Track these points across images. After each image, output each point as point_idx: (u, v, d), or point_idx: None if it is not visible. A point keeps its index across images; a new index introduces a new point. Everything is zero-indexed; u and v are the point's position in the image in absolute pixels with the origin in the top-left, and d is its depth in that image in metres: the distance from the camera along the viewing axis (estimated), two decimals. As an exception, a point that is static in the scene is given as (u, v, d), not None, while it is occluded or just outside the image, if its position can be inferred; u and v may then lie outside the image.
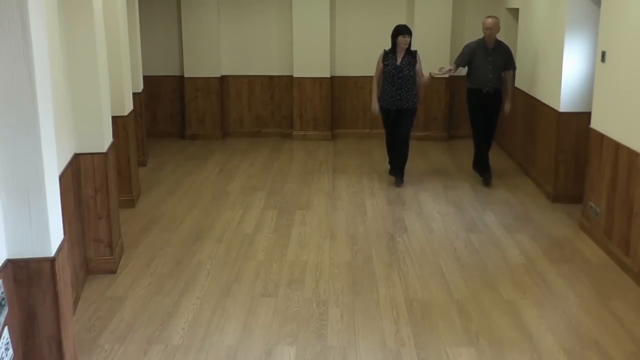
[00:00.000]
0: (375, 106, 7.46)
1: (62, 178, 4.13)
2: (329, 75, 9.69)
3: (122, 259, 5.32)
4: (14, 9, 2.53)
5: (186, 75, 9.74)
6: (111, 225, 5.07)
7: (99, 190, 4.98)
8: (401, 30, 7.21)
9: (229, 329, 4.23)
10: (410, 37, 7.23)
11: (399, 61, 7.24)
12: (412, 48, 7.29)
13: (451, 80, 9.44)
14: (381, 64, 7.34)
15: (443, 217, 6.39)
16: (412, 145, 9.18)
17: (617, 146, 5.28)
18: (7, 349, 2.58)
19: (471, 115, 7.57)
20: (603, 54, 5.58)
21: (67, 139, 4.63)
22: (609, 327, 4.24)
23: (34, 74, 2.61)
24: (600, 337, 4.12)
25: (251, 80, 9.94)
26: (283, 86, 9.92)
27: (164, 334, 4.16)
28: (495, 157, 7.79)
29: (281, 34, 9.79)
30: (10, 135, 2.63)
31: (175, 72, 9.92)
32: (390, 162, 7.74)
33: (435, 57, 8.80)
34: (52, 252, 2.79)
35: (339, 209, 6.66)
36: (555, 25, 6.85)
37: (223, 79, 9.89)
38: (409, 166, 7.66)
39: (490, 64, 7.33)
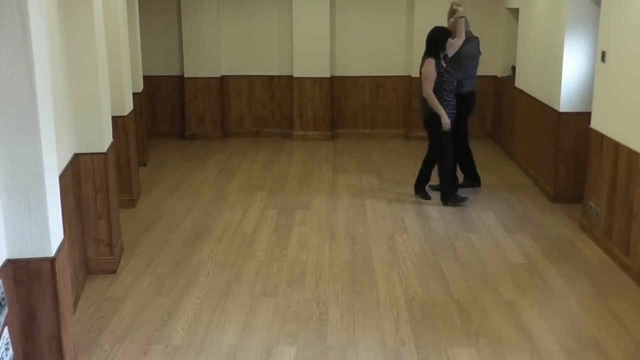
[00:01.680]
0: (448, 120, 6.50)
1: (62, 178, 4.13)
2: (329, 75, 9.68)
3: (122, 259, 5.32)
4: (14, 9, 2.53)
5: (186, 75, 9.74)
6: (111, 225, 5.07)
7: (99, 190, 4.98)
8: (449, 33, 6.57)
9: (229, 328, 4.23)
10: None
11: (446, 66, 6.59)
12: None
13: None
14: (435, 73, 6.44)
15: (443, 217, 6.39)
16: (412, 145, 9.25)
17: (617, 146, 5.28)
18: (7, 349, 2.58)
19: None
20: (603, 54, 5.58)
21: (67, 139, 4.63)
22: (609, 327, 4.24)
23: (34, 74, 2.61)
24: (600, 337, 4.12)
25: (251, 80, 9.94)
26: (283, 86, 9.92)
27: (164, 334, 4.16)
28: (496, 157, 7.78)
29: (281, 34, 9.79)
30: (10, 134, 2.63)
31: (175, 72, 9.92)
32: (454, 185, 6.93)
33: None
34: (52, 252, 2.79)
35: (339, 209, 6.66)
36: (555, 25, 6.85)
37: (223, 79, 9.89)
38: (408, 166, 7.63)
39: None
